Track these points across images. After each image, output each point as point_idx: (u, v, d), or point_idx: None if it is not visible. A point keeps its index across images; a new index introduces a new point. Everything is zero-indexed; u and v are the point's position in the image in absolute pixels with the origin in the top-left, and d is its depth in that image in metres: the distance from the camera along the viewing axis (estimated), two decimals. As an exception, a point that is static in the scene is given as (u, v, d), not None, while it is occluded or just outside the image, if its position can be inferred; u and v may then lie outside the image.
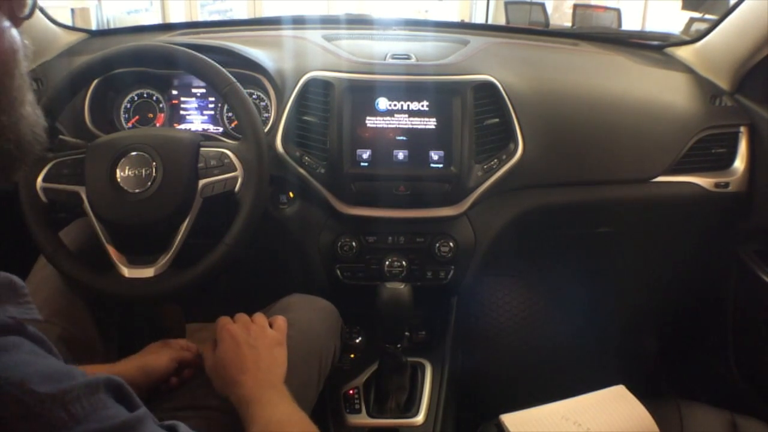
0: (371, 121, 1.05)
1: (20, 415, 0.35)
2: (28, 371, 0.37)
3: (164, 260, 0.89)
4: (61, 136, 0.96)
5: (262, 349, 0.79)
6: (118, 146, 0.90)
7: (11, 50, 0.43)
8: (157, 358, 0.84)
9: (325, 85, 1.05)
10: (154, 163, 0.89)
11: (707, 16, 3.61)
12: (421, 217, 1.08)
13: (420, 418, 1.02)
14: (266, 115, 1.14)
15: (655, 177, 1.15)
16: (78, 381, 0.39)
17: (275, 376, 0.77)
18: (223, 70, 0.93)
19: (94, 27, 4.82)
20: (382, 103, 1.05)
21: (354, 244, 1.09)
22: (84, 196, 0.90)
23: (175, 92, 1.19)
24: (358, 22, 1.56)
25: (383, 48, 1.19)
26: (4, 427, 0.34)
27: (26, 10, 0.46)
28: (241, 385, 0.73)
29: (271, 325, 0.84)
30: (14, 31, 0.44)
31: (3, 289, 0.42)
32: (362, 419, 1.02)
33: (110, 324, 1.00)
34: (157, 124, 1.18)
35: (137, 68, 1.10)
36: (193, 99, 1.19)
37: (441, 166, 1.05)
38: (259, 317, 0.85)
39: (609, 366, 1.53)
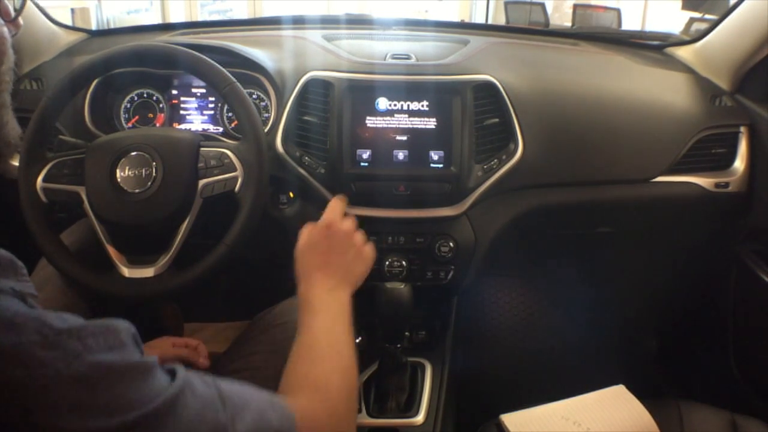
0: (371, 121, 1.05)
1: (40, 344, 0.37)
2: (44, 313, 0.40)
3: (164, 260, 0.89)
4: (61, 136, 0.96)
5: (350, 256, 0.83)
6: (118, 146, 0.90)
7: (1, 43, 0.44)
8: (160, 353, 0.83)
9: (325, 85, 1.05)
10: (154, 163, 0.89)
11: (707, 16, 3.61)
12: (421, 217, 1.08)
13: (420, 418, 1.02)
14: (266, 115, 1.14)
15: (655, 177, 1.15)
16: (95, 321, 0.41)
17: (346, 286, 0.80)
18: (223, 70, 0.93)
19: (94, 27, 4.82)
20: (382, 103, 1.05)
21: (354, 244, 1.09)
22: (84, 196, 0.90)
23: (175, 92, 1.19)
24: (358, 22, 1.56)
25: (383, 48, 1.19)
26: (26, 354, 0.36)
27: (12, 15, 0.47)
28: (311, 281, 0.78)
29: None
30: (5, 28, 0.45)
31: (6, 265, 0.44)
32: (362, 419, 1.02)
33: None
34: (157, 124, 1.18)
35: (137, 68, 1.10)
36: (193, 99, 1.19)
37: (441, 166, 1.05)
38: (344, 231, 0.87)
39: (609, 366, 1.53)
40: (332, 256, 0.81)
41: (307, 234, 0.84)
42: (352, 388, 0.68)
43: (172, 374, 0.45)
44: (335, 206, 0.91)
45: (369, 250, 0.87)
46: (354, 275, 0.83)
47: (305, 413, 0.59)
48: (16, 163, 0.91)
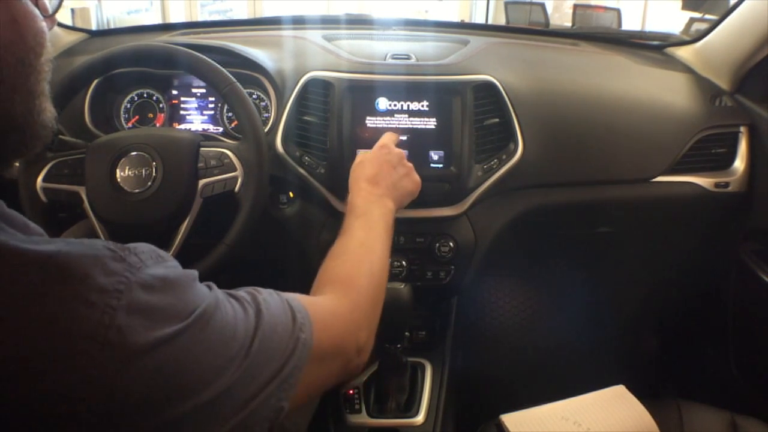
0: (371, 121, 1.05)
1: (110, 257, 0.42)
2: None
3: (164, 260, 0.89)
4: (61, 136, 0.96)
5: (401, 173, 0.90)
6: (118, 146, 0.90)
7: (41, 36, 0.47)
8: None
9: (325, 85, 1.05)
10: (154, 163, 0.89)
11: (707, 16, 3.60)
12: (421, 217, 1.08)
13: (420, 418, 1.02)
14: (266, 115, 1.14)
15: (655, 177, 1.15)
16: (142, 243, 0.48)
17: (395, 197, 0.87)
18: (223, 70, 0.93)
19: (94, 27, 4.82)
20: (382, 103, 1.05)
21: (354, 244, 1.08)
22: (84, 196, 0.90)
23: (175, 92, 1.19)
24: (358, 22, 1.56)
25: (383, 48, 1.19)
26: (103, 264, 0.41)
27: (49, 11, 0.51)
28: (359, 188, 0.85)
29: None
30: (44, 23, 0.48)
31: (20, 224, 0.46)
32: (362, 419, 1.02)
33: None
34: (157, 124, 1.18)
35: (137, 68, 1.10)
36: (193, 99, 1.19)
37: (441, 166, 1.05)
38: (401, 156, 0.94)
39: (609, 366, 1.52)
40: (383, 170, 0.88)
41: (362, 154, 0.94)
42: (379, 288, 0.73)
43: (209, 288, 0.51)
44: (390, 135, 0.98)
45: (417, 176, 0.94)
46: (400, 192, 0.90)
47: (327, 304, 0.64)
48: (16, 163, 0.91)
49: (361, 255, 0.75)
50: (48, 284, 0.39)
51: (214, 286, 0.52)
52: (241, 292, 0.54)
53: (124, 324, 0.40)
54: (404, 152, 0.95)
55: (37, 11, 0.47)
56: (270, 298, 0.55)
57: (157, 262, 0.46)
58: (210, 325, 0.46)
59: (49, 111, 0.50)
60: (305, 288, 1.03)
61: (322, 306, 0.63)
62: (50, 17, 0.51)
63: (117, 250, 0.43)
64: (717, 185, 1.17)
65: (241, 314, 0.50)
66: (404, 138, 1.05)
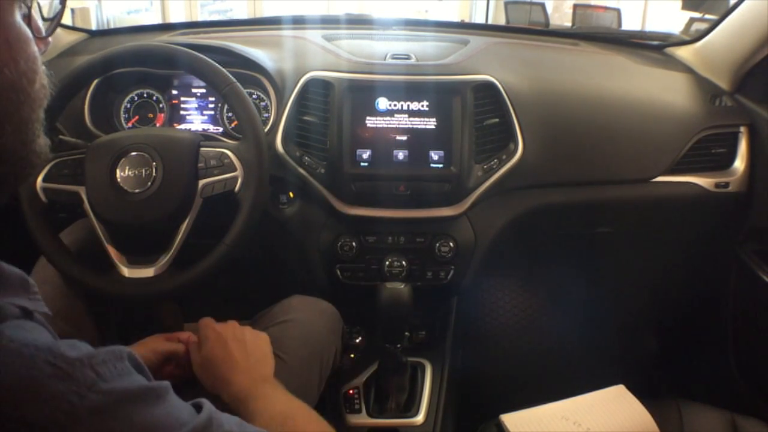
0: (371, 121, 1.05)
1: (52, 375, 0.35)
2: (53, 341, 0.39)
3: (164, 260, 0.89)
4: (61, 136, 0.96)
5: (249, 342, 0.78)
6: (118, 146, 0.90)
7: (32, 61, 0.43)
8: (143, 350, 0.81)
9: (325, 85, 1.05)
10: (154, 163, 0.89)
11: (707, 16, 3.60)
12: (421, 217, 1.08)
13: (420, 418, 1.02)
14: (266, 115, 1.14)
15: (655, 177, 1.15)
16: (102, 349, 0.40)
17: (266, 369, 0.76)
18: (223, 70, 0.93)
19: (94, 27, 4.82)
20: (382, 103, 1.05)
21: (354, 244, 1.09)
22: (84, 196, 0.90)
23: (175, 92, 1.19)
24: (358, 22, 1.56)
25: (383, 48, 1.19)
26: (38, 387, 0.34)
27: (43, 32, 0.47)
28: (233, 383, 0.72)
29: None
30: (36, 48, 0.44)
31: (17, 283, 0.43)
32: (362, 419, 1.02)
33: (110, 324, 0.99)
34: (157, 124, 1.18)
35: (137, 68, 1.10)
36: (193, 99, 1.19)
37: (441, 166, 1.05)
38: (233, 323, 0.83)
39: (609, 366, 1.52)
40: (235, 355, 0.76)
41: (196, 353, 0.79)
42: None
43: (198, 408, 0.44)
44: (203, 323, 0.83)
45: (261, 333, 0.82)
46: (263, 365, 0.77)
47: None
48: None
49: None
50: None
51: (207, 406, 0.45)
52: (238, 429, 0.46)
53: None
54: (233, 327, 0.82)
55: (30, 33, 0.43)
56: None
57: (119, 374, 0.39)
58: None
59: (42, 139, 0.46)
60: (305, 288, 1.04)
61: None
62: (44, 39, 0.46)
63: (63, 366, 0.36)
64: (717, 185, 1.16)
65: None
66: (404, 138, 1.05)
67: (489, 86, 1.06)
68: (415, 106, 1.05)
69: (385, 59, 1.12)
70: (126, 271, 0.89)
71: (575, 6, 5.90)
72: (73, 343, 0.39)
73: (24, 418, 0.33)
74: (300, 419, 0.68)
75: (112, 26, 5.05)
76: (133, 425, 0.37)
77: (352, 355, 1.12)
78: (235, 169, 0.91)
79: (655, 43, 1.52)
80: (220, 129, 1.19)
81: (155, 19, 6.16)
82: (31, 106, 0.43)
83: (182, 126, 1.20)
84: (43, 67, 0.45)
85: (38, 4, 0.46)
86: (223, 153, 0.92)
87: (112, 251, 0.90)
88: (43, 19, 0.48)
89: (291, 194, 1.11)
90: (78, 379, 0.36)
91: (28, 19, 0.44)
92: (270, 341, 0.82)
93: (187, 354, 0.83)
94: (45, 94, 0.46)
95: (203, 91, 1.19)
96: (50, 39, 0.49)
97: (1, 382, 0.34)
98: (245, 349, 0.77)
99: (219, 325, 0.81)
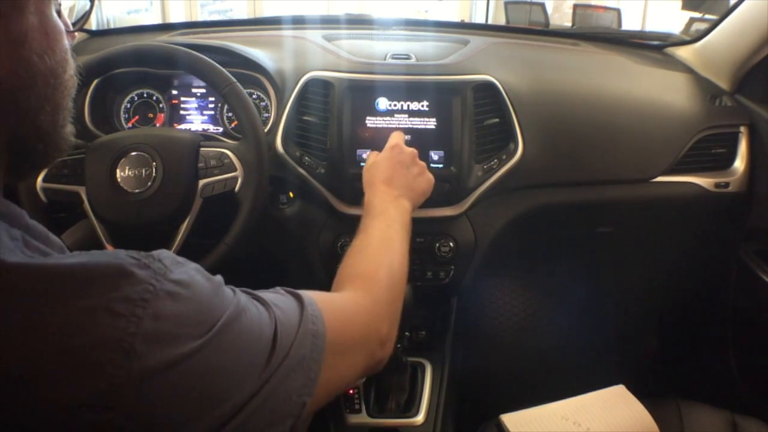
0: (371, 121, 1.05)
1: (135, 265, 0.42)
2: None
3: (164, 260, 0.89)
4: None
5: (415, 173, 0.91)
6: (118, 146, 0.90)
7: (65, 52, 0.48)
8: None
9: (325, 85, 1.05)
10: (154, 163, 0.89)
11: (707, 16, 3.61)
12: (421, 217, 1.08)
13: (420, 418, 1.02)
14: (266, 115, 1.14)
15: (655, 177, 1.15)
16: (156, 251, 0.47)
17: (415, 200, 0.89)
18: (223, 70, 0.93)
19: (94, 27, 4.81)
20: (382, 103, 1.05)
21: (354, 244, 1.08)
22: (84, 196, 0.90)
23: (175, 92, 1.19)
24: (358, 22, 1.56)
25: (383, 48, 1.19)
26: (128, 273, 0.41)
27: (71, 26, 0.51)
28: (375, 190, 0.86)
29: None
30: (67, 42, 0.49)
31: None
32: (362, 419, 1.02)
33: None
34: (157, 124, 1.18)
35: (137, 68, 1.10)
36: (193, 99, 1.19)
37: (441, 166, 1.05)
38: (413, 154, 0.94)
39: (609, 366, 1.53)
40: (397, 171, 0.89)
41: (374, 154, 0.95)
42: (399, 283, 0.74)
43: (232, 291, 0.51)
44: (398, 134, 0.99)
45: (430, 174, 0.94)
46: (415, 191, 0.90)
47: (346, 298, 0.66)
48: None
49: (380, 251, 0.76)
50: (72, 296, 0.39)
51: (237, 290, 0.52)
52: (258, 293, 0.54)
53: (151, 333, 0.40)
54: (415, 151, 0.94)
55: (63, 27, 0.48)
56: (275, 295, 0.55)
57: (180, 267, 0.46)
58: (235, 331, 0.46)
59: (69, 126, 0.51)
60: (305, 288, 1.04)
61: (339, 300, 0.64)
62: (71, 33, 0.51)
63: (141, 258, 0.43)
64: (717, 185, 1.16)
65: (265, 316, 0.50)
66: (404, 138, 1.05)
67: (489, 86, 1.06)
68: (415, 106, 1.05)
69: (385, 59, 1.12)
70: (126, 271, 0.89)
71: (575, 6, 5.91)
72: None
73: (121, 294, 0.40)
74: (394, 254, 0.76)
75: (112, 26, 5.04)
76: (199, 306, 0.44)
77: (352, 355, 1.12)
78: (235, 169, 0.91)
79: (655, 43, 1.52)
80: (220, 129, 1.19)
81: (155, 19, 6.16)
82: (63, 93, 0.48)
83: (182, 126, 1.20)
84: (72, 60, 0.50)
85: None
86: (223, 153, 0.92)
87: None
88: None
89: (291, 194, 1.11)
90: (153, 268, 0.43)
91: (58, 14, 0.48)
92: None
93: None
94: (74, 84, 0.50)
95: (203, 91, 1.19)
96: (77, 34, 0.53)
97: (99, 268, 0.40)
98: (407, 174, 0.90)
99: (405, 152, 0.92)
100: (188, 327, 0.42)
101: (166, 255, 0.46)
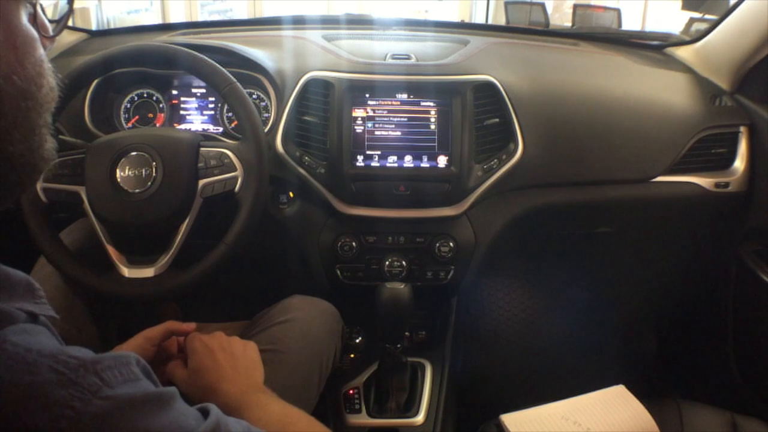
0: (371, 121, 1.05)
1: (55, 382, 0.35)
2: (57, 346, 0.38)
3: (164, 260, 0.89)
4: (61, 136, 0.96)
5: (237, 351, 0.76)
6: (118, 146, 0.90)
7: (40, 65, 0.42)
8: (133, 345, 0.78)
9: (325, 85, 1.05)
10: (154, 163, 0.89)
11: (707, 16, 3.61)
12: (421, 217, 1.08)
13: (420, 418, 1.02)
14: (266, 115, 1.14)
15: (655, 177, 1.15)
16: (108, 354, 0.39)
17: (256, 377, 0.74)
18: (223, 70, 0.94)
19: (94, 27, 4.81)
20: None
21: (354, 244, 1.09)
22: (84, 196, 0.90)
23: (175, 92, 1.19)
24: (358, 22, 1.56)
25: (383, 48, 1.19)
26: (41, 393, 0.34)
27: (50, 32, 0.46)
28: (222, 393, 0.69)
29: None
30: (42, 50, 0.43)
31: (22, 288, 0.43)
32: (362, 419, 1.02)
33: (110, 324, 0.99)
34: (157, 124, 1.18)
35: (137, 68, 1.10)
36: (193, 99, 1.19)
37: (441, 166, 1.05)
38: (220, 333, 0.81)
39: (609, 366, 1.53)
40: (224, 365, 0.73)
41: (182, 371, 0.75)
42: None
43: (205, 413, 0.44)
44: (169, 325, 0.81)
45: (249, 342, 0.80)
46: (252, 373, 0.75)
47: None
48: None
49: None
50: None
51: (213, 411, 0.44)
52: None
53: None
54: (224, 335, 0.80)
55: (36, 34, 0.42)
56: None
57: (124, 381, 0.38)
58: None
59: (50, 142, 0.46)
60: (305, 288, 1.04)
61: None
62: (50, 39, 0.45)
63: (66, 372, 0.35)
64: (717, 185, 1.16)
65: None
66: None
67: (489, 86, 1.06)
68: (415, 106, 1.05)
69: (385, 59, 1.12)
70: (126, 271, 0.89)
71: (575, 6, 5.91)
72: (77, 349, 0.39)
73: (26, 424, 0.33)
74: (300, 424, 0.66)
75: (112, 26, 5.05)
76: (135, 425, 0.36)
77: (352, 355, 1.12)
78: (235, 169, 0.91)
79: (655, 43, 1.52)
80: (220, 129, 1.19)
81: (155, 19, 6.17)
82: (38, 111, 0.42)
83: (182, 126, 1.20)
84: (49, 66, 0.44)
85: (40, 4, 0.45)
86: (223, 153, 0.92)
87: (112, 251, 0.90)
88: (49, 21, 0.47)
89: (291, 194, 1.11)
90: (82, 385, 0.35)
91: (33, 17, 0.43)
92: (258, 349, 0.79)
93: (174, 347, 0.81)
94: (53, 96, 0.45)
95: (203, 91, 1.19)
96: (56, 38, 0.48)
97: (3, 388, 0.33)
98: (233, 358, 0.74)
99: (205, 336, 0.78)
100: None
101: (115, 363, 0.38)
